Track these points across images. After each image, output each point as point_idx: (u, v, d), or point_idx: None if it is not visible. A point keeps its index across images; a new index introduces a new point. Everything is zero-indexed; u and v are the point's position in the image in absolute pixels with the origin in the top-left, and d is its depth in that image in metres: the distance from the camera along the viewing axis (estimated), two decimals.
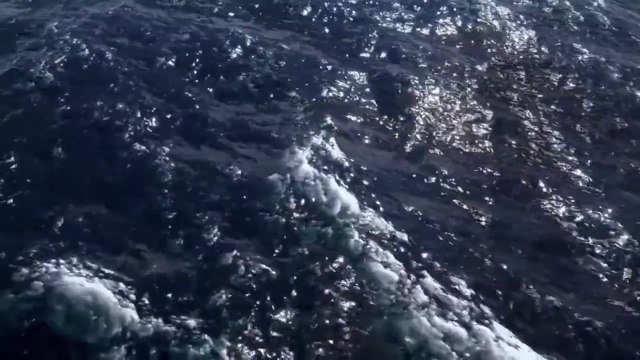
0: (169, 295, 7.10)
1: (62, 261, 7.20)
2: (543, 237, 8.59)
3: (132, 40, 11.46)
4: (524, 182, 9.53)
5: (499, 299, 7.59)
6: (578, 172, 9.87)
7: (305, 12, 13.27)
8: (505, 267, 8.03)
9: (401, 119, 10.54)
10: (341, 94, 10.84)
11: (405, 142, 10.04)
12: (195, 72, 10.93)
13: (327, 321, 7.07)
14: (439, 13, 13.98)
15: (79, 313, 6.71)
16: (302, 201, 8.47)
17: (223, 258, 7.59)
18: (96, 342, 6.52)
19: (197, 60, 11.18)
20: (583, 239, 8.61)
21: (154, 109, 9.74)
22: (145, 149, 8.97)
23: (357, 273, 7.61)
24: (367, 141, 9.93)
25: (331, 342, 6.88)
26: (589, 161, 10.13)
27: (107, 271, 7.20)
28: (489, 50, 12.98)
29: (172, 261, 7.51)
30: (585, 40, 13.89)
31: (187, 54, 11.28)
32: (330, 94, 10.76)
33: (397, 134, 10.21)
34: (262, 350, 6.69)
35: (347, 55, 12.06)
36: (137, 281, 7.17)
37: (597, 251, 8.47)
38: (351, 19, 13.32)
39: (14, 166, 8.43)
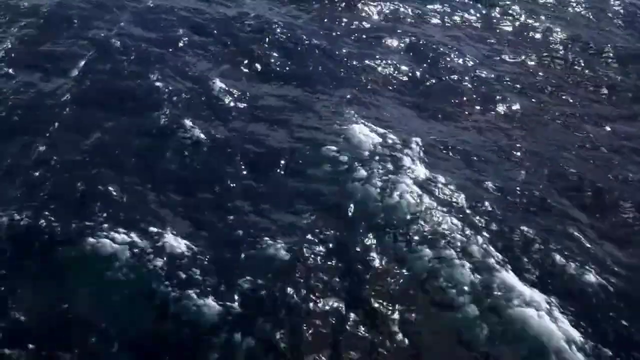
0: (194, 278, 6.97)
1: (87, 238, 7.19)
2: (574, 207, 8.79)
3: (156, 30, 11.70)
4: (551, 159, 9.74)
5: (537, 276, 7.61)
6: (595, 147, 10.14)
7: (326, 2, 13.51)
8: (535, 236, 8.11)
9: (429, 106, 10.68)
10: (368, 83, 10.99)
11: (434, 127, 10.14)
12: (218, 60, 11.09)
13: (360, 314, 6.83)
14: (461, 8, 14.23)
15: (104, 293, 6.72)
16: (333, 187, 8.50)
17: (252, 243, 7.49)
18: (119, 323, 6.43)
19: (220, 48, 11.37)
20: (604, 208, 8.85)
21: (180, 94, 9.91)
22: (172, 129, 9.14)
23: (389, 259, 7.53)
24: (395, 125, 9.92)
25: (367, 337, 6.64)
26: (606, 141, 10.36)
27: (136, 250, 7.15)
28: (511, 43, 13.18)
29: (199, 243, 7.42)
30: (602, 33, 14.10)
31: (211, 43, 11.46)
32: (356, 84, 10.91)
33: (425, 119, 10.31)
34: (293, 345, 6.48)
35: (370, 46, 12.21)
36: (162, 262, 7.07)
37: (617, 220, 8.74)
38: (373, 11, 13.51)
39: (50, 145, 8.59)
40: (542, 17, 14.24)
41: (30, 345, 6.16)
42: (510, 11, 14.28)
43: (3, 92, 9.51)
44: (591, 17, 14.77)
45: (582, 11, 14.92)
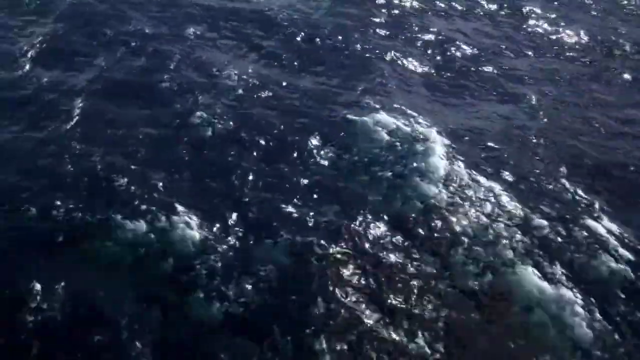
0: (200, 277, 6.72)
1: (95, 234, 7.07)
2: (590, 196, 8.65)
3: (168, 25, 11.85)
4: (567, 148, 9.69)
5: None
6: (609, 137, 10.12)
7: None
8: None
9: (445, 97, 10.68)
10: (382, 74, 10.98)
11: (450, 117, 10.07)
12: (230, 53, 11.16)
13: (373, 313, 6.57)
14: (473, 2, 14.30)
15: (109, 292, 6.50)
16: (346, 180, 8.38)
17: (261, 239, 7.28)
18: (123, 323, 6.18)
19: (232, 41, 11.48)
20: (620, 196, 8.71)
21: (193, 87, 9.95)
22: (185, 121, 9.15)
23: (403, 255, 7.30)
24: (411, 116, 9.79)
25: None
26: (620, 130, 10.37)
27: (143, 250, 6.94)
28: (525, 39, 13.22)
29: (207, 238, 7.21)
30: (611, 30, 14.12)
31: (222, 37, 11.61)
32: (371, 75, 10.91)
33: (441, 110, 10.27)
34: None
35: (384, 39, 12.24)
36: (169, 263, 6.85)
37: None
38: (386, 5, 13.59)
39: (68, 137, 8.60)
40: (553, 15, 14.27)
41: (31, 344, 5.96)
42: (524, 9, 14.28)
43: (26, 87, 9.58)
44: (601, 16, 14.79)
45: (592, 11, 14.90)
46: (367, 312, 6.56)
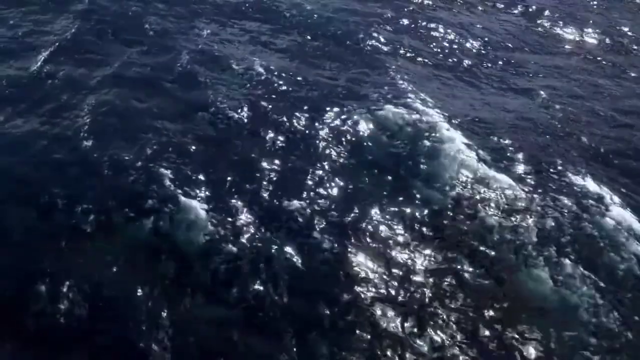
0: (202, 277, 6.55)
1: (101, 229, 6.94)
2: (604, 185, 8.54)
3: (181, 21, 11.87)
4: (577, 139, 9.65)
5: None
6: (622, 126, 10.11)
7: None
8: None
9: (457, 89, 10.68)
10: (393, 66, 10.94)
11: (462, 109, 10.00)
12: (241, 47, 11.12)
13: (385, 312, 6.39)
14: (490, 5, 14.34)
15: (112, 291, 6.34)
16: (356, 175, 8.23)
17: (269, 237, 7.09)
18: (125, 322, 6.07)
19: (242, 37, 11.44)
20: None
21: (206, 79, 9.94)
22: (196, 113, 9.10)
23: (412, 254, 7.11)
24: (421, 110, 9.62)
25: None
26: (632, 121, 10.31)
27: (144, 253, 6.78)
28: (533, 36, 13.20)
29: (212, 235, 7.04)
30: (615, 28, 14.01)
31: (234, 34, 11.57)
32: (382, 68, 10.87)
33: (453, 102, 10.19)
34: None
35: (394, 32, 12.25)
36: (173, 263, 6.69)
37: None
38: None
39: (90, 126, 8.55)
40: (558, 13, 14.34)
41: (36, 344, 5.81)
42: (530, 7, 14.46)
43: (40, 83, 9.52)
44: (605, 14, 14.85)
45: (596, 9, 14.85)
46: (376, 311, 6.41)
